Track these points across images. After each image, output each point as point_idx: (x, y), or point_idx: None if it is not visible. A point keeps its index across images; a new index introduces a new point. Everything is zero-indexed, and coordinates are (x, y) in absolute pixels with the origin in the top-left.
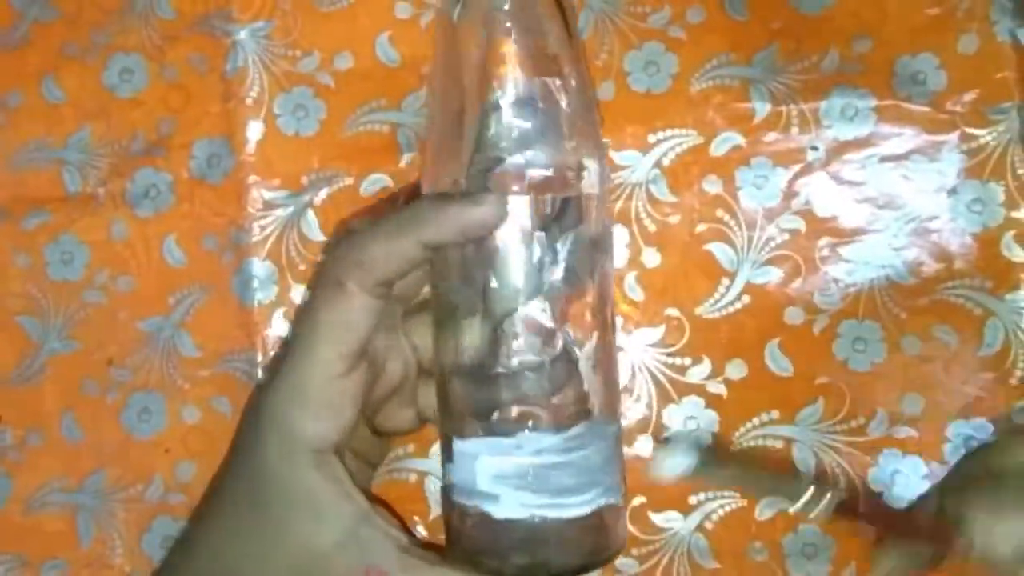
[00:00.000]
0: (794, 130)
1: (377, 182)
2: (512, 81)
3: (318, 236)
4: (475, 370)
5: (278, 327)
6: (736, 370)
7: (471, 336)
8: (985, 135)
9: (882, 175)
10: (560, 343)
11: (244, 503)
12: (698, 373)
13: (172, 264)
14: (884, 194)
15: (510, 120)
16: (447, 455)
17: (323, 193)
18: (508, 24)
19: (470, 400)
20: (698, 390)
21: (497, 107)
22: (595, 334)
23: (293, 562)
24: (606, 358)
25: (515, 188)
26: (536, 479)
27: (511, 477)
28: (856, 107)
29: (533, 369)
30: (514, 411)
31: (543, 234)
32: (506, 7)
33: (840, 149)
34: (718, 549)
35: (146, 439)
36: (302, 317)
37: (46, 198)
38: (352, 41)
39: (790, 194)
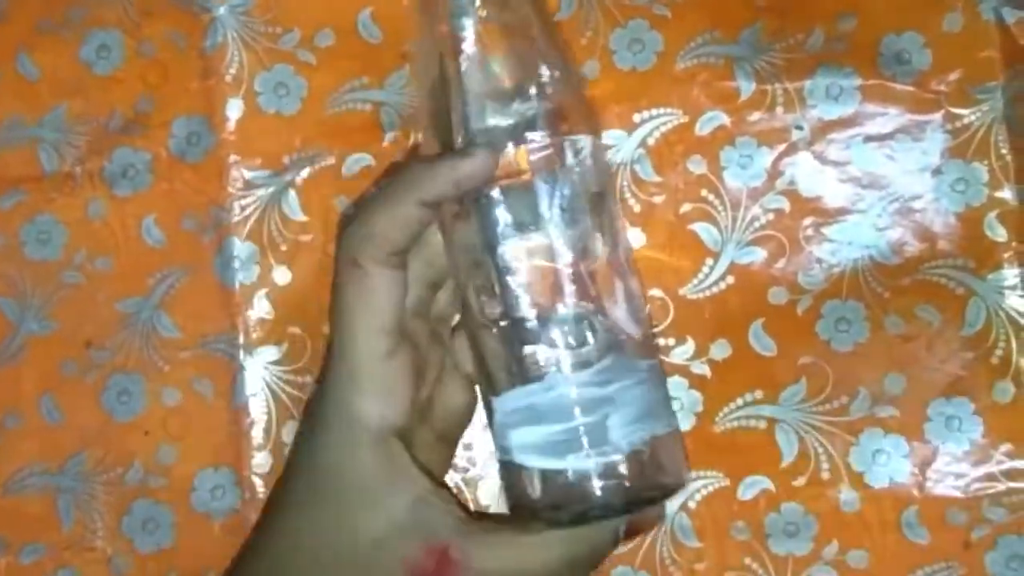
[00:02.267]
0: (779, 109)
1: (359, 161)
2: (485, 46)
3: (299, 216)
4: (491, 325)
5: (259, 308)
6: (720, 350)
7: (484, 292)
8: (969, 115)
9: (866, 155)
10: (573, 289)
11: (305, 498)
12: (682, 353)
13: (151, 244)
14: (868, 174)
15: (489, 82)
16: (489, 421)
17: (304, 172)
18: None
19: (493, 355)
20: (682, 370)
21: (475, 71)
22: (615, 280)
23: (351, 552)
24: (630, 300)
25: (504, 142)
26: (566, 417)
27: (545, 421)
28: (841, 86)
29: (547, 315)
30: (540, 358)
31: (539, 183)
32: None
33: (825, 128)
34: (701, 528)
35: (126, 421)
36: (334, 303)
37: (22, 177)
38: (333, 18)
39: (774, 174)
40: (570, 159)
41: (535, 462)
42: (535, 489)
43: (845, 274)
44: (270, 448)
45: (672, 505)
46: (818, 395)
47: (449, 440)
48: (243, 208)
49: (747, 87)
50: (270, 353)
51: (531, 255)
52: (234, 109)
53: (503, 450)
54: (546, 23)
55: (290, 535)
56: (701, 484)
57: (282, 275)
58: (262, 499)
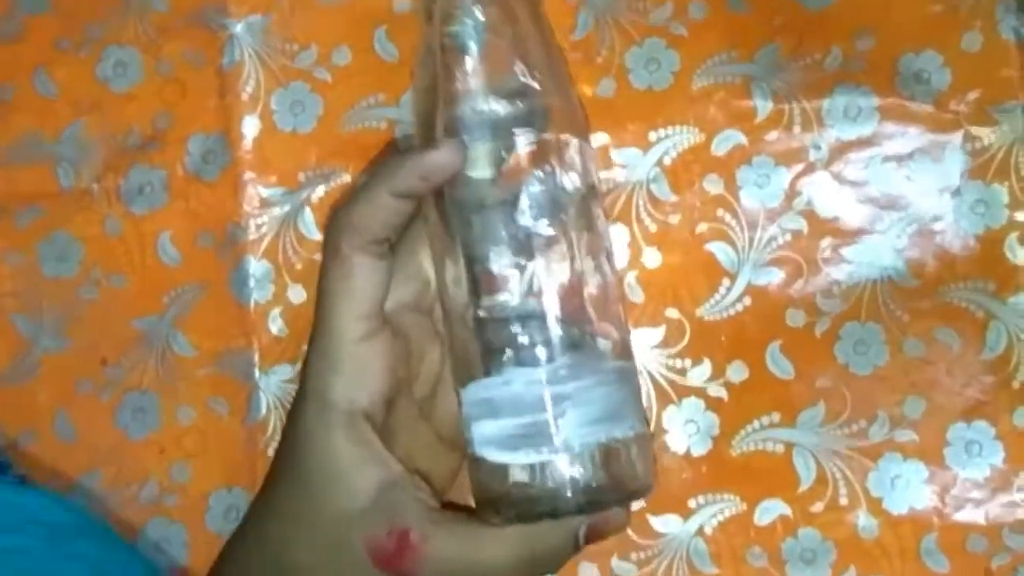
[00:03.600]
0: (796, 129)
1: None
2: (476, 47)
3: (315, 235)
4: (461, 318)
5: (274, 326)
6: (737, 372)
7: (456, 284)
8: (989, 135)
9: (885, 175)
10: (544, 287)
11: (286, 477)
12: (698, 375)
13: (167, 262)
14: (887, 194)
15: (476, 82)
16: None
17: (320, 190)
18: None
19: (462, 347)
20: (698, 392)
21: (464, 70)
22: (592, 281)
23: (328, 533)
24: (605, 303)
25: (479, 136)
26: (523, 411)
27: (501, 415)
28: (859, 106)
29: (514, 311)
30: (504, 353)
31: (520, 181)
32: None
33: (842, 148)
34: (717, 554)
35: (141, 439)
36: (318, 288)
37: (39, 194)
38: (349, 35)
39: (792, 194)
40: (554, 159)
41: (492, 455)
42: (494, 483)
43: (864, 296)
44: None
45: (689, 529)
46: (836, 419)
47: (456, 446)
48: (259, 226)
49: (764, 106)
50: (285, 372)
51: (504, 251)
52: (250, 127)
53: (467, 443)
54: (540, 27)
55: (274, 514)
56: (717, 508)
57: (297, 294)
58: None
